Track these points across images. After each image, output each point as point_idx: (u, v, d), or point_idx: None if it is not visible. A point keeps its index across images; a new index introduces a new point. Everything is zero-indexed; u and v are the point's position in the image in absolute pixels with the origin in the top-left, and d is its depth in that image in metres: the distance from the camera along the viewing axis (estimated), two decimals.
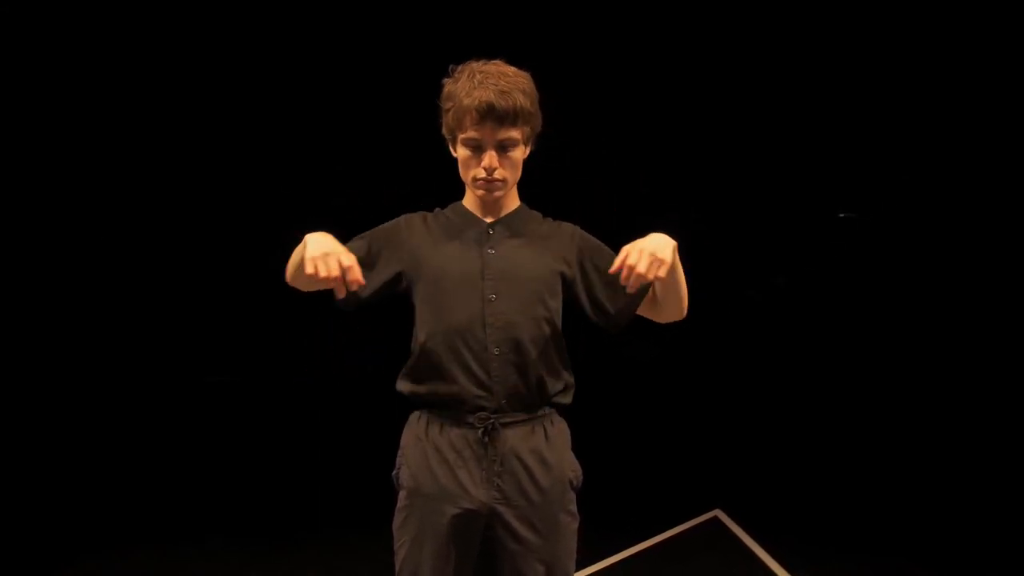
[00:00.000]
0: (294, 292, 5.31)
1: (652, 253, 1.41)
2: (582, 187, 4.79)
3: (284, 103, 4.49)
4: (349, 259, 1.41)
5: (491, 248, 1.60)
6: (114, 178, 4.35)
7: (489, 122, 1.50)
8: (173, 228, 4.48)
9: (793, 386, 4.90)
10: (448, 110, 1.56)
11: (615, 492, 4.20)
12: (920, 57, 4.41)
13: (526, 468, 1.57)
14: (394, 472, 1.68)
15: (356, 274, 1.40)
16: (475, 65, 1.55)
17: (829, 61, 4.57)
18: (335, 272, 1.38)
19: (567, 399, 1.66)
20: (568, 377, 1.65)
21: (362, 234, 1.69)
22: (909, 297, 4.75)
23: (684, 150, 4.97)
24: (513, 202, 1.68)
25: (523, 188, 1.70)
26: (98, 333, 4.34)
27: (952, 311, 4.62)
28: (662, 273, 1.41)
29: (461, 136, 1.55)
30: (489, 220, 1.64)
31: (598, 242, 1.68)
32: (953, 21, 4.20)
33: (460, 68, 1.57)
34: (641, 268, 1.39)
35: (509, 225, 1.64)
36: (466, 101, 1.51)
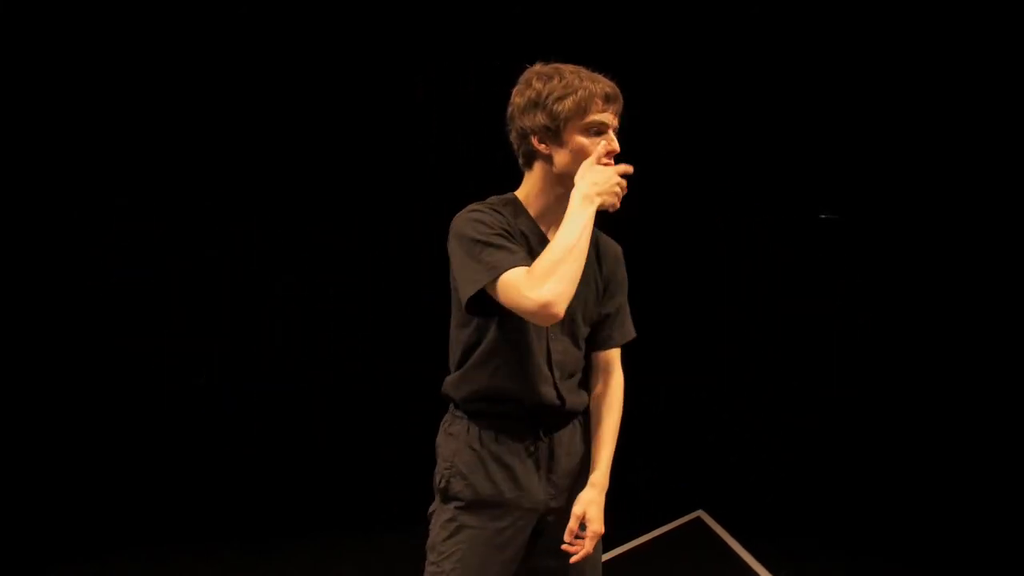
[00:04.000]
0: (279, 295, 5.26)
1: (600, 536, 1.64)
2: None
3: (282, 109, 4.51)
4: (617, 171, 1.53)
5: None
6: (105, 178, 4.34)
7: (614, 105, 1.57)
8: (168, 228, 4.49)
9: (776, 388, 4.95)
10: (563, 98, 1.53)
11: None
12: (903, 57, 4.44)
13: (572, 467, 1.69)
14: (440, 483, 1.63)
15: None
16: (561, 65, 1.59)
17: (814, 60, 4.61)
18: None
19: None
20: (586, 383, 1.77)
21: (492, 236, 1.53)
22: (890, 298, 4.79)
23: (671, 149, 5.01)
24: None
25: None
26: (87, 336, 4.33)
27: (933, 312, 4.66)
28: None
29: (582, 122, 1.54)
30: None
31: (624, 274, 1.77)
32: (940, 21, 4.27)
33: (543, 70, 1.59)
34: (590, 551, 1.62)
35: None
36: (591, 87, 1.54)
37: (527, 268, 1.44)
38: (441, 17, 4.39)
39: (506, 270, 1.44)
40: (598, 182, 1.49)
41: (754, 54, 4.69)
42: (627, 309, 1.78)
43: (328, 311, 4.60)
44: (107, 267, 4.32)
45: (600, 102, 1.54)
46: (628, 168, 1.53)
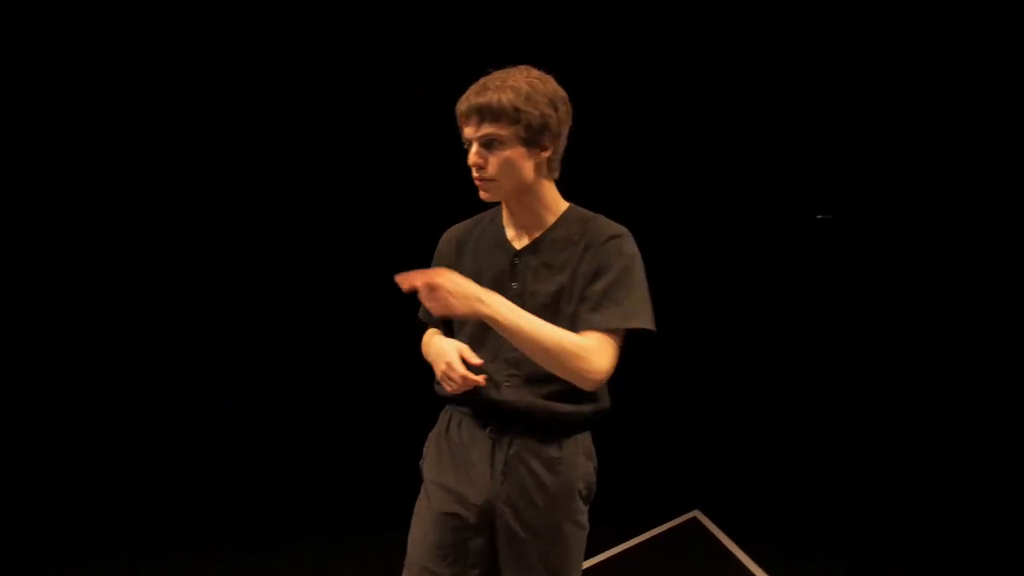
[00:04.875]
0: (279, 295, 5.27)
1: (447, 290, 1.43)
2: (558, 187, 4.80)
3: (282, 109, 4.51)
4: (452, 362, 1.52)
5: (515, 282, 1.60)
6: (105, 178, 4.34)
7: (472, 119, 1.53)
8: (168, 228, 4.49)
9: (776, 388, 4.96)
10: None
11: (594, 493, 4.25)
12: (903, 57, 4.45)
13: (532, 473, 1.59)
14: (420, 461, 1.75)
15: (468, 368, 1.52)
16: (498, 71, 1.57)
17: (814, 60, 4.61)
18: (459, 383, 1.51)
19: (583, 418, 1.63)
20: (588, 399, 1.62)
21: None
22: (890, 298, 4.79)
23: (671, 148, 5.01)
24: (550, 214, 1.62)
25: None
26: (87, 336, 4.33)
27: (933, 312, 4.66)
28: (431, 305, 1.45)
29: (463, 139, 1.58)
30: (519, 244, 1.62)
31: (618, 259, 1.57)
32: (940, 21, 4.27)
33: None
34: (417, 283, 1.44)
35: (537, 253, 1.60)
36: (460, 102, 1.55)
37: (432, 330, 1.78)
38: (441, 17, 4.39)
39: (422, 316, 1.83)
40: (437, 352, 1.58)
41: (754, 54, 4.69)
42: (617, 295, 1.56)
43: (328, 311, 4.61)
44: (107, 267, 4.32)
45: (462, 116, 1.55)
46: (470, 377, 1.52)
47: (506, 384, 1.59)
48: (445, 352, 1.54)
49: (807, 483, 4.53)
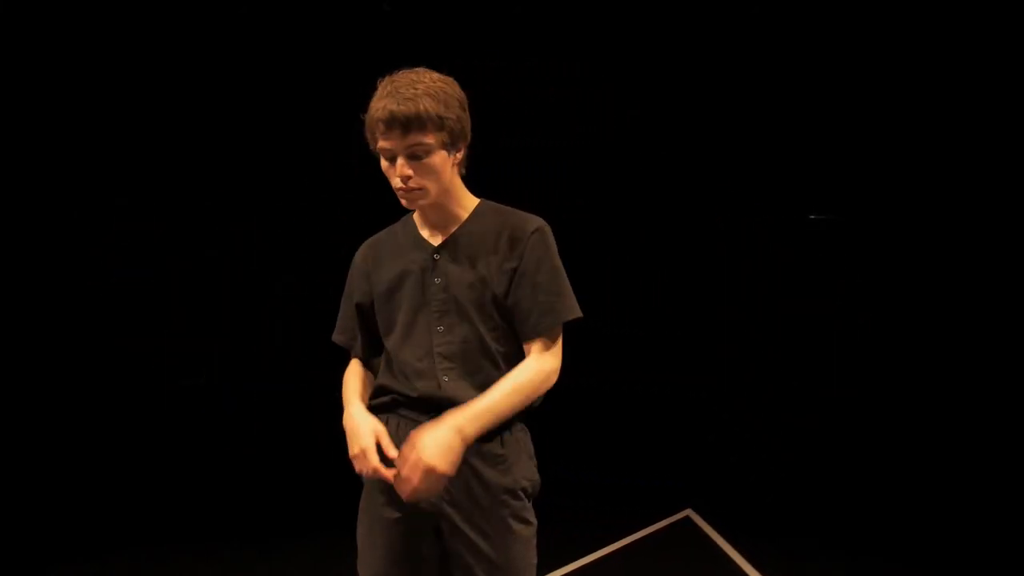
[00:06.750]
0: (279, 295, 5.26)
1: (427, 468, 1.41)
2: (558, 187, 4.79)
3: (282, 109, 4.51)
4: (367, 449, 1.51)
5: (437, 277, 1.59)
6: (105, 178, 4.35)
7: (395, 130, 1.47)
8: (168, 228, 4.50)
9: (776, 388, 4.96)
10: (364, 121, 1.53)
11: (588, 492, 4.26)
12: (902, 58, 4.46)
13: (475, 472, 1.57)
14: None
15: (376, 459, 1.50)
16: (395, 74, 1.51)
17: (814, 61, 4.62)
18: (370, 474, 1.51)
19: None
20: None
21: (347, 290, 1.81)
22: (890, 298, 4.80)
23: (671, 149, 5.01)
24: (462, 210, 1.64)
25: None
26: (87, 336, 4.34)
27: (933, 312, 4.67)
28: (438, 487, 1.45)
29: (376, 148, 1.54)
30: (436, 241, 1.62)
31: (546, 253, 1.59)
32: (939, 22, 4.28)
33: (383, 80, 1.53)
34: (415, 484, 1.42)
35: (456, 247, 1.61)
36: (373, 113, 1.49)
37: (354, 361, 1.80)
38: (441, 17, 4.40)
39: (335, 338, 1.88)
40: (353, 429, 1.57)
41: (754, 55, 4.69)
42: (551, 295, 1.57)
43: (328, 311, 4.61)
44: (107, 267, 4.33)
45: (382, 126, 1.48)
46: (381, 471, 1.50)
47: (444, 379, 1.58)
48: (360, 436, 1.54)
49: (809, 483, 4.53)
